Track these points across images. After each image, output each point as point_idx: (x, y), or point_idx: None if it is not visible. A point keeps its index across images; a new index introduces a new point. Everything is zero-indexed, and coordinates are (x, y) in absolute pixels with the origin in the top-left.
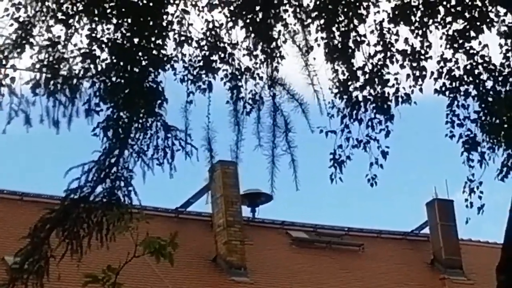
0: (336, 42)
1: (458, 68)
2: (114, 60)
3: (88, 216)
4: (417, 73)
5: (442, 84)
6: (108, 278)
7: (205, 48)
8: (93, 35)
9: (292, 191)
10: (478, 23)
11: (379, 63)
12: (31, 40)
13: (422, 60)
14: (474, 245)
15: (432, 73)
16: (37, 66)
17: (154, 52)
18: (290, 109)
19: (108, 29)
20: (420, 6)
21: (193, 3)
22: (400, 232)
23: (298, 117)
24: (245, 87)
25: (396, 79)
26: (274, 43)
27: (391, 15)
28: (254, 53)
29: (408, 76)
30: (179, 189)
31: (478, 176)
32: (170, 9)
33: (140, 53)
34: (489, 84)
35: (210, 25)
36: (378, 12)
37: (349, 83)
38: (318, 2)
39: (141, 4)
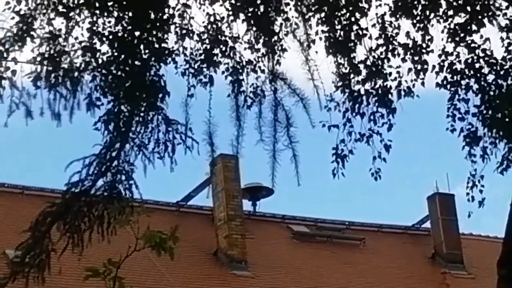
0: (337, 35)
1: (460, 61)
2: (115, 53)
3: (89, 209)
4: (419, 67)
5: (444, 78)
6: (109, 272)
7: (207, 41)
8: (94, 28)
9: (293, 185)
10: (479, 17)
11: (381, 56)
12: (32, 33)
13: (423, 53)
14: (475, 239)
15: (434, 66)
16: (38, 59)
17: (155, 45)
18: (292, 103)
19: (109, 22)
20: (422, 0)
21: None
22: (401, 226)
23: (299, 111)
24: (246, 81)
25: (398, 72)
26: (275, 37)
27: (392, 9)
28: (256, 46)
29: (409, 69)
30: (180, 183)
31: (479, 170)
32: (171, 2)
33: (141, 47)
34: (490, 78)
35: (212, 19)
36: (380, 5)
37: (351, 76)
38: None
39: None
